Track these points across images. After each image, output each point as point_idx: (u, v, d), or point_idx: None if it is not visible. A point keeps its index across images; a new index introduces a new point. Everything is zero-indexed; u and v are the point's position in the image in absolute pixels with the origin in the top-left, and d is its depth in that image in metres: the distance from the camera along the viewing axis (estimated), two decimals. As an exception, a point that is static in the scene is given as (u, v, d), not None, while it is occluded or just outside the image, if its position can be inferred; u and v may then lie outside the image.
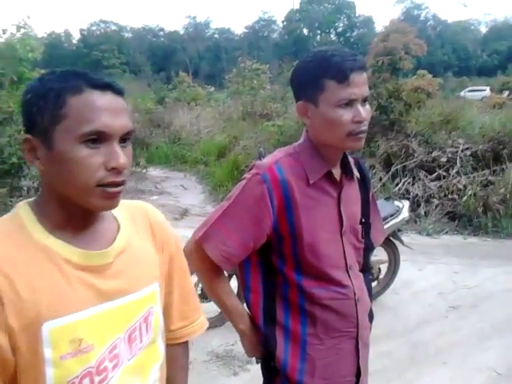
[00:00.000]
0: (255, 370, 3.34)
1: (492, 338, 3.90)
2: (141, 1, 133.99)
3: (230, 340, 3.72)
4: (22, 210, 0.92)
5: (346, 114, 1.29)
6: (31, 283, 0.84)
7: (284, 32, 68.82)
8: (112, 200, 0.89)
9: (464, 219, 7.20)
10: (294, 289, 1.40)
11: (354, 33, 72.89)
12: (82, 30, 64.95)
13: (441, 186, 7.80)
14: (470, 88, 29.04)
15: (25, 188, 7.11)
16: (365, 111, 1.31)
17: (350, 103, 1.29)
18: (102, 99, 0.86)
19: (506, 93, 24.92)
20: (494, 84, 31.53)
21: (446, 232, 6.89)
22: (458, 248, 6.20)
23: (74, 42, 65.57)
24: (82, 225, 0.93)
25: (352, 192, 1.48)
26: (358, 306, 1.45)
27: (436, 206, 7.45)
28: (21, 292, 0.83)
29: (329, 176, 1.40)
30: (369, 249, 1.58)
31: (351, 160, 1.50)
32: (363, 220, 1.51)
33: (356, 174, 1.51)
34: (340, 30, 74.00)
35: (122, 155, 0.87)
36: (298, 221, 1.36)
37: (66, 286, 0.87)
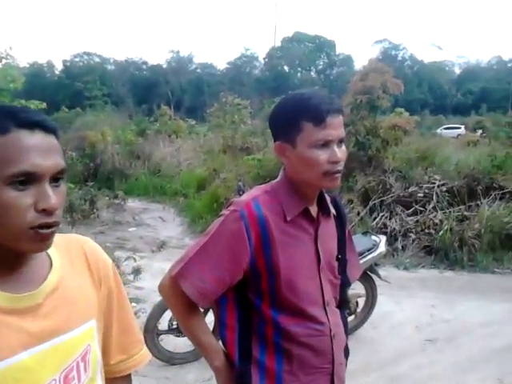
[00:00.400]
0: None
1: (468, 371, 3.91)
2: (124, 34, 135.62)
3: (205, 375, 3.66)
4: None
5: (323, 155, 1.33)
6: None
7: (265, 68, 70.12)
8: (45, 242, 0.86)
9: (440, 253, 7.30)
10: (271, 326, 1.41)
11: (334, 71, 74.61)
12: (64, 61, 65.15)
13: (417, 221, 7.93)
14: (446, 126, 29.93)
15: None
16: (340, 152, 1.36)
17: (326, 144, 1.33)
18: (31, 139, 0.82)
19: (480, 131, 25.69)
20: (469, 122, 32.50)
21: (423, 266, 6.97)
22: (434, 282, 6.26)
23: (57, 72, 65.67)
24: (12, 267, 0.88)
25: (328, 229, 1.51)
26: (334, 342, 1.46)
27: (413, 241, 7.55)
28: None
29: (306, 213, 1.43)
30: (345, 285, 1.59)
31: (328, 197, 1.53)
32: (339, 256, 1.53)
33: (332, 211, 1.54)
34: (320, 67, 75.72)
35: (52, 196, 0.83)
36: (276, 257, 1.37)
37: None
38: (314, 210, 1.46)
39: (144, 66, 72.07)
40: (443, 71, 69.61)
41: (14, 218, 0.81)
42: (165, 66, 69.81)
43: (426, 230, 7.69)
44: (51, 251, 0.95)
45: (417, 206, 8.23)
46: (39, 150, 0.82)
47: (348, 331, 1.62)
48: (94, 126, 17.02)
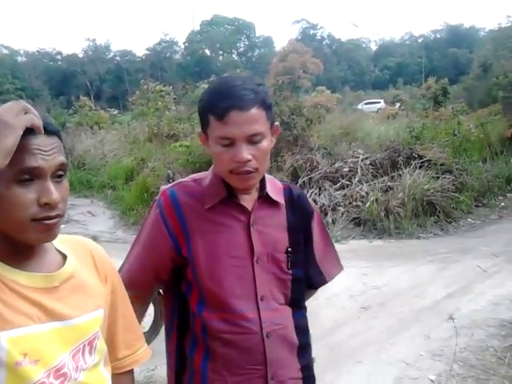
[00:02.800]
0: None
1: (400, 332, 4.16)
2: (34, 23, 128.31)
3: (149, 365, 3.64)
4: None
5: (227, 152, 1.25)
6: None
7: (186, 53, 68.99)
8: (48, 233, 0.93)
9: (368, 224, 7.63)
10: (198, 321, 1.35)
11: (255, 53, 74.80)
12: (-32, 55, 60.85)
13: (345, 195, 8.22)
14: (367, 101, 30.85)
15: None
16: (251, 150, 1.25)
17: (230, 143, 1.25)
18: (33, 141, 0.89)
19: (398, 104, 26.83)
20: (387, 96, 33.77)
21: (353, 237, 7.26)
22: (365, 251, 6.55)
23: (-39, 67, 61.21)
24: (26, 257, 0.96)
25: (272, 218, 1.39)
26: (268, 341, 1.33)
27: (342, 214, 7.83)
28: None
29: (231, 200, 1.34)
30: (299, 282, 1.43)
31: (279, 186, 1.45)
32: (289, 249, 1.39)
33: (280, 200, 1.41)
34: (241, 50, 75.62)
35: (53, 191, 0.90)
36: (196, 245, 1.32)
37: (16, 301, 0.90)
38: (250, 197, 1.36)
39: (59, 57, 68.67)
40: (360, 48, 71.76)
41: (18, 212, 0.89)
42: (81, 56, 66.89)
43: (354, 203, 8.00)
44: (62, 248, 1.04)
45: (343, 181, 8.52)
46: (41, 150, 0.89)
47: (306, 331, 1.47)
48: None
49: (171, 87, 15.57)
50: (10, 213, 0.89)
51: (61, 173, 0.94)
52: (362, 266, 5.85)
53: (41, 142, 0.90)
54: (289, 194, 1.46)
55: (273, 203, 1.40)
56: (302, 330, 1.44)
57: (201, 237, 1.32)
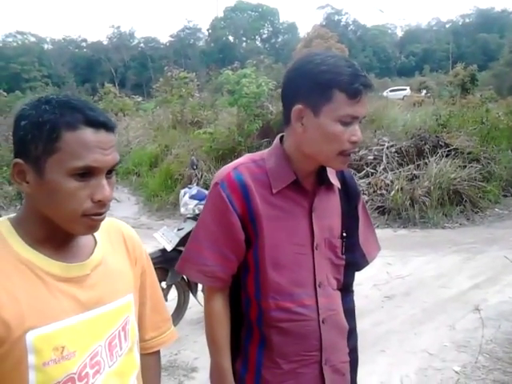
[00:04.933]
0: (200, 377, 3.36)
1: (424, 322, 4.11)
2: (60, 12, 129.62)
3: (172, 350, 3.68)
4: (2, 225, 0.95)
5: (345, 132, 1.20)
6: (13, 293, 0.88)
7: (210, 40, 68.96)
8: (95, 227, 0.96)
9: (393, 213, 7.55)
10: (254, 308, 1.33)
11: (279, 39, 74.31)
12: (-4, 42, 61.86)
13: (369, 183, 8.13)
14: (392, 88, 30.39)
15: None
16: (360, 132, 1.23)
17: (351, 121, 1.20)
18: (95, 137, 0.90)
19: (424, 91, 26.35)
20: (413, 84, 33.21)
21: (377, 226, 7.16)
22: (389, 240, 6.47)
23: (-11, 55, 62.28)
24: (62, 241, 0.97)
25: (329, 203, 1.36)
26: (324, 327, 1.33)
27: (366, 202, 7.74)
28: (2, 301, 0.86)
29: (297, 185, 1.30)
30: (352, 266, 1.43)
31: (333, 169, 1.38)
32: (344, 234, 1.38)
33: (336, 183, 1.38)
34: (265, 36, 75.20)
35: (107, 188, 0.92)
36: (261, 230, 1.28)
37: (49, 296, 0.92)
38: (309, 182, 1.33)
39: (84, 44, 69.42)
40: (386, 34, 70.62)
41: (72, 205, 0.90)
42: (106, 43, 67.52)
43: (378, 191, 7.91)
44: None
45: (368, 169, 8.42)
46: (101, 147, 0.90)
47: (354, 315, 1.47)
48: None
49: (195, 74, 15.52)
50: (63, 204, 0.90)
51: (114, 168, 0.95)
52: (386, 255, 5.78)
53: (102, 138, 0.91)
54: (341, 176, 1.43)
55: (329, 186, 1.37)
56: (351, 314, 1.45)
57: (265, 222, 1.28)
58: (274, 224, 1.28)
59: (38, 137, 0.88)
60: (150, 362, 1.20)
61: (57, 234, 0.95)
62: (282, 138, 1.35)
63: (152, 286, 1.19)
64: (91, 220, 0.93)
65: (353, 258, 1.42)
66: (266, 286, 1.30)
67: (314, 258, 1.32)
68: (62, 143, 0.88)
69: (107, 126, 0.92)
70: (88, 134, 0.89)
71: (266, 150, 1.37)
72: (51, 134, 0.88)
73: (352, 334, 1.44)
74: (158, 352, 1.25)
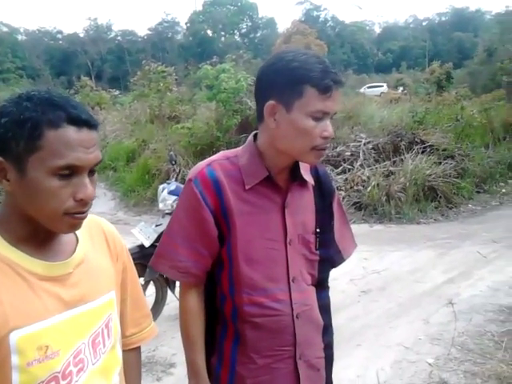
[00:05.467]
0: (179, 373, 3.36)
1: (399, 316, 4.19)
2: (34, 2, 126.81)
3: (151, 346, 3.68)
4: None
5: (317, 127, 1.21)
6: None
7: (188, 33, 68.36)
8: (77, 226, 0.96)
9: (369, 208, 7.65)
10: (229, 303, 1.34)
11: (258, 34, 74.12)
12: (-32, 33, 60.26)
13: (346, 179, 8.22)
14: (369, 84, 30.67)
15: None
16: (331, 128, 1.25)
17: (322, 117, 1.21)
18: (78, 135, 0.89)
19: (401, 88, 26.66)
20: (390, 80, 33.57)
21: (354, 221, 7.26)
22: (365, 236, 6.55)
23: (-40, 45, 60.67)
24: (44, 239, 0.97)
25: (302, 199, 1.38)
26: (298, 322, 1.34)
27: (343, 198, 7.83)
28: None
29: (269, 181, 1.32)
30: (326, 262, 1.44)
31: (306, 166, 1.39)
32: (318, 230, 1.39)
33: (309, 180, 1.39)
34: (244, 31, 74.94)
35: (89, 187, 0.92)
36: (233, 225, 1.29)
37: (32, 295, 0.91)
38: (282, 178, 1.34)
39: (59, 36, 68.14)
40: (364, 31, 71.12)
41: (54, 204, 0.90)
42: (82, 35, 66.37)
43: (355, 187, 8.01)
44: None
45: (345, 165, 8.51)
46: (84, 145, 0.90)
47: (329, 311, 1.48)
48: (9, 102, 15.96)
49: (173, 68, 15.40)
50: (45, 203, 0.90)
51: (95, 168, 0.95)
52: (363, 250, 5.86)
53: (84, 136, 0.90)
54: (315, 172, 1.44)
55: (303, 183, 1.38)
56: (326, 309, 1.46)
57: (238, 217, 1.29)
58: (246, 219, 1.30)
59: (20, 135, 0.87)
60: (131, 358, 1.21)
61: (38, 232, 0.95)
62: (256, 136, 1.37)
63: (132, 282, 1.20)
64: (73, 218, 0.93)
65: (327, 253, 1.43)
66: (239, 281, 1.31)
67: (287, 254, 1.33)
68: (44, 141, 0.87)
69: (90, 124, 0.91)
70: (70, 132, 0.88)
71: (241, 147, 1.39)
72: (33, 132, 0.87)
73: (327, 330, 1.45)
74: (139, 348, 1.25)
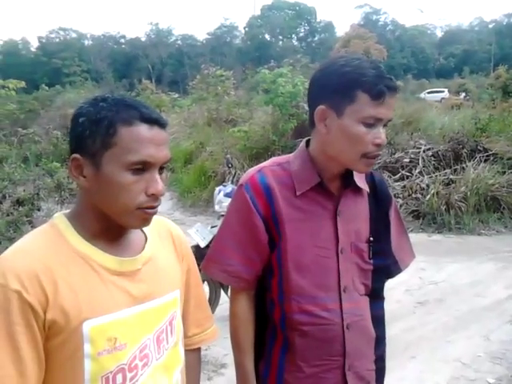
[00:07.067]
0: (229, 373, 3.39)
1: (457, 330, 4.04)
2: (101, 8, 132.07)
3: (203, 346, 3.72)
4: (59, 220, 1.00)
5: (369, 134, 1.19)
6: (71, 284, 0.93)
7: (246, 38, 69.01)
8: (148, 220, 1.00)
9: (428, 217, 7.42)
10: (277, 310, 1.33)
11: (316, 38, 73.76)
12: (40, 38, 63.46)
13: (404, 186, 8.01)
14: (430, 90, 29.80)
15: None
16: (384, 135, 1.22)
17: (374, 123, 1.19)
18: (149, 132, 0.94)
19: (463, 94, 25.76)
20: (452, 86, 32.45)
21: (412, 230, 7.07)
22: (423, 245, 6.36)
23: (33, 49, 64.02)
24: (115, 236, 1.02)
25: (356, 207, 1.34)
26: (348, 332, 1.30)
27: (401, 206, 7.64)
28: (62, 291, 0.91)
29: (322, 187, 1.30)
30: (381, 271, 1.39)
31: (361, 173, 1.35)
32: (371, 239, 1.35)
33: (364, 187, 1.36)
34: (301, 35, 74.76)
35: (160, 183, 0.97)
36: (283, 232, 1.28)
37: (104, 289, 0.96)
38: (335, 185, 1.32)
39: (122, 40, 70.57)
40: (425, 35, 69.20)
41: (126, 198, 0.94)
42: (144, 40, 68.47)
43: (413, 195, 7.79)
44: (145, 228, 1.09)
45: (403, 172, 8.30)
46: (155, 142, 0.95)
47: (382, 323, 1.43)
48: (75, 104, 16.57)
49: (231, 72, 15.62)
50: (118, 197, 0.94)
51: (165, 165, 0.99)
52: (420, 260, 5.67)
53: (155, 134, 0.95)
54: (371, 179, 1.41)
55: (357, 190, 1.35)
56: (379, 321, 1.41)
57: (288, 224, 1.28)
58: (297, 226, 1.28)
59: (96, 132, 0.93)
60: (192, 358, 1.22)
61: (111, 228, 1.00)
62: (308, 142, 1.36)
63: (196, 284, 1.23)
64: (145, 213, 0.97)
65: (383, 263, 1.39)
66: (288, 289, 1.30)
67: (338, 262, 1.30)
68: (119, 138, 0.92)
69: (160, 123, 0.97)
70: (143, 129, 0.94)
71: (292, 154, 1.38)
72: (108, 130, 0.92)
73: (380, 342, 1.40)
74: (199, 349, 1.27)
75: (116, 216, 0.97)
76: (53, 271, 0.91)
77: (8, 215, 6.28)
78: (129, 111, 0.94)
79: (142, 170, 0.94)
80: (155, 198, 0.97)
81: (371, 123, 1.18)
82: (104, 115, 0.93)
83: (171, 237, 1.17)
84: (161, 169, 0.98)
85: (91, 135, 0.93)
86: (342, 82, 1.19)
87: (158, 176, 0.97)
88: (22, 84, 10.63)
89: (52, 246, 0.95)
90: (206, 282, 3.92)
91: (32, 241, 0.97)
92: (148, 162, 0.94)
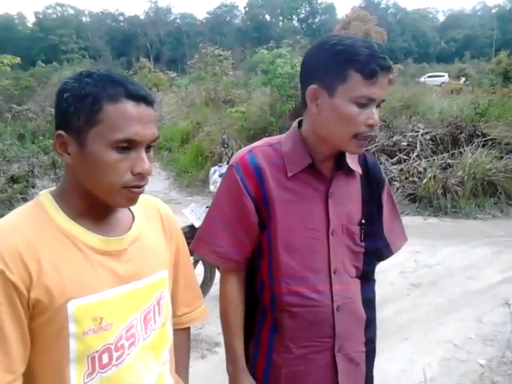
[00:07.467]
0: (223, 352, 3.37)
1: (449, 312, 4.06)
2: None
3: (197, 324, 3.74)
4: (44, 197, 0.98)
5: (361, 114, 1.16)
6: (55, 263, 0.91)
7: (246, 18, 68.35)
8: (132, 200, 0.98)
9: (424, 201, 7.41)
10: (267, 291, 1.32)
11: (316, 19, 73.12)
12: (36, 13, 62.83)
13: (402, 170, 7.99)
14: (430, 74, 29.71)
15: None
16: (377, 116, 1.19)
17: (367, 103, 1.16)
18: (136, 110, 0.92)
19: (463, 79, 25.63)
20: (452, 70, 32.29)
21: (407, 213, 7.07)
22: (418, 228, 6.37)
23: (29, 25, 63.33)
24: (102, 214, 1.00)
25: (348, 189, 1.33)
26: (338, 314, 1.30)
27: (397, 189, 7.63)
28: (46, 270, 0.89)
29: (313, 169, 1.28)
30: (373, 254, 1.38)
31: (354, 155, 1.33)
32: (363, 221, 1.34)
33: (356, 169, 1.34)
34: (302, 16, 74.06)
35: (147, 162, 0.94)
36: (274, 213, 1.27)
37: (88, 267, 0.94)
38: (326, 166, 1.30)
39: (121, 18, 69.82)
40: (427, 19, 68.69)
41: (112, 177, 0.92)
42: (142, 17, 67.74)
43: (410, 178, 7.77)
44: (132, 207, 1.07)
45: (401, 155, 8.27)
46: (141, 120, 0.92)
47: (373, 305, 1.43)
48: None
49: (230, 52, 15.47)
50: (104, 176, 0.92)
51: (152, 144, 0.97)
52: (415, 243, 5.68)
53: (142, 111, 0.92)
54: (363, 162, 1.39)
55: (349, 172, 1.33)
56: (370, 303, 1.40)
57: (279, 206, 1.26)
58: (287, 208, 1.27)
59: (81, 109, 0.90)
60: (181, 338, 1.22)
61: (96, 207, 0.97)
62: (300, 122, 1.33)
63: (185, 264, 1.21)
64: (131, 192, 0.95)
65: (374, 246, 1.38)
66: (278, 270, 1.29)
67: (329, 244, 1.29)
68: (104, 115, 0.89)
69: (147, 100, 0.93)
70: (129, 106, 0.91)
71: (284, 134, 1.35)
72: (93, 106, 0.89)
73: (370, 325, 1.40)
74: (188, 329, 1.27)
75: (101, 195, 0.95)
76: (36, 249, 0.90)
77: (2, 192, 6.26)
78: (115, 87, 0.91)
79: (128, 148, 0.92)
80: (142, 176, 0.94)
81: (364, 103, 1.16)
82: (89, 91, 0.90)
83: (159, 216, 1.15)
84: (148, 147, 0.95)
85: (76, 112, 0.90)
86: (334, 61, 1.16)
87: (144, 155, 0.94)
88: (17, 60, 10.51)
89: (35, 224, 0.93)
90: (200, 261, 3.91)
91: (15, 218, 0.94)
92: (134, 140, 0.91)
